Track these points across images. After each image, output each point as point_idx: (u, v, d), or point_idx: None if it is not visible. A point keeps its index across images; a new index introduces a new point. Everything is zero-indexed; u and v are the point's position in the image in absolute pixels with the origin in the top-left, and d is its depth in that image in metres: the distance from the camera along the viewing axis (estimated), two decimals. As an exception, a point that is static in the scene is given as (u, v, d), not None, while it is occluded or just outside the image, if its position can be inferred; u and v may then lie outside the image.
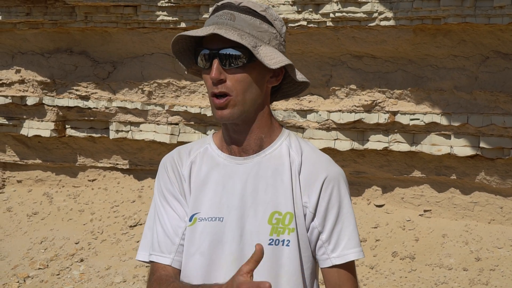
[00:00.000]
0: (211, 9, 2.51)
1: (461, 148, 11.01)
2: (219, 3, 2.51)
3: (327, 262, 2.56)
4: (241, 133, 2.56)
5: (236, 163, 2.56)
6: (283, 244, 2.49)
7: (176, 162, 2.64)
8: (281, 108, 11.81)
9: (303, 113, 11.79)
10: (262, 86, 2.53)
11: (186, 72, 2.68)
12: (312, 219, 2.55)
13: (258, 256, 2.16)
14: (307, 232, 2.56)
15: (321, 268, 2.61)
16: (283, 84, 2.67)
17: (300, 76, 2.58)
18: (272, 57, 2.45)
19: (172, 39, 2.49)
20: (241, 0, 2.48)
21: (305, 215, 2.54)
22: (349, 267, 2.58)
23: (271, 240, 2.49)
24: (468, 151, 10.98)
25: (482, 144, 10.85)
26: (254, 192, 2.52)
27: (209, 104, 11.86)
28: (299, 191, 2.54)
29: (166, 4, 11.50)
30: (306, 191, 2.54)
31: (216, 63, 2.41)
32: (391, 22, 10.51)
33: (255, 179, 2.53)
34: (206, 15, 11.22)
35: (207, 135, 12.03)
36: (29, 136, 13.39)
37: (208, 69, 2.45)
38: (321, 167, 2.58)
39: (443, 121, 10.98)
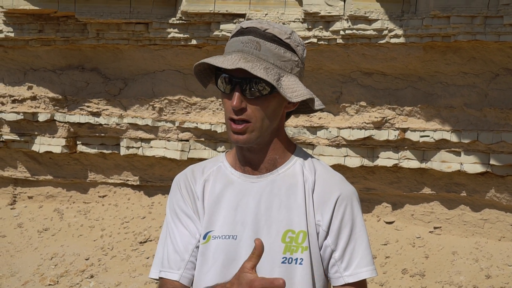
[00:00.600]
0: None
1: (471, 165, 11.02)
2: (244, 26, 2.50)
3: (339, 280, 2.57)
4: (256, 154, 2.58)
5: (250, 182, 2.58)
6: (296, 263, 2.51)
7: (189, 180, 2.65)
8: (291, 124, 11.84)
9: (313, 129, 11.82)
10: (279, 112, 2.56)
11: (205, 87, 2.69)
12: (325, 238, 2.56)
13: (259, 251, 2.19)
14: (320, 250, 2.57)
15: (333, 286, 2.62)
16: (298, 106, 2.69)
17: (317, 104, 2.60)
18: (294, 89, 2.47)
19: (196, 64, 2.49)
20: (266, 26, 2.48)
21: (318, 234, 2.55)
22: (361, 285, 2.60)
23: (284, 259, 2.51)
24: (478, 168, 10.99)
25: (492, 161, 10.85)
26: (268, 210, 2.53)
27: (220, 121, 11.92)
28: (312, 209, 2.55)
29: (177, 21, 11.58)
30: (320, 209, 2.56)
31: (238, 91, 2.43)
32: (401, 40, 10.55)
33: (269, 197, 2.55)
34: (217, 32, 11.29)
35: (218, 151, 12.08)
36: (40, 152, 13.45)
37: (229, 94, 2.46)
38: (334, 186, 2.59)
39: (453, 138, 11.00)
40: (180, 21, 11.58)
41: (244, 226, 2.53)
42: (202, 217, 2.59)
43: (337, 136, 11.64)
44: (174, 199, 2.67)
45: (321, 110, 2.64)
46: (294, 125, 11.86)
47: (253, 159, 2.58)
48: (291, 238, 2.51)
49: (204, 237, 2.56)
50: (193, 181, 2.64)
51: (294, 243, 2.51)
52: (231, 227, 2.54)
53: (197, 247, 2.61)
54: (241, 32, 2.49)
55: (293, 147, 2.68)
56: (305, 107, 2.71)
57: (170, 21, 11.65)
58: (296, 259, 2.50)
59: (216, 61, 2.41)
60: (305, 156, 2.67)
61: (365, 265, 2.57)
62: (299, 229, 2.52)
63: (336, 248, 2.56)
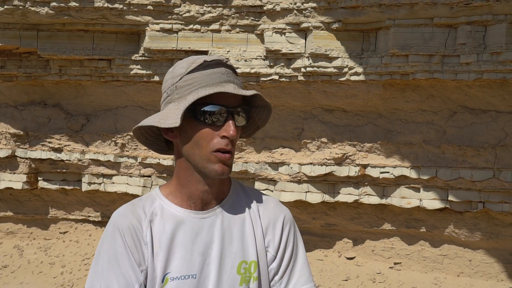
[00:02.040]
0: (192, 65, 2.48)
1: (430, 201, 11.16)
2: (209, 59, 2.50)
3: None
4: (213, 187, 2.58)
5: (201, 218, 2.56)
6: None
7: (134, 226, 2.53)
8: (253, 160, 11.91)
9: (275, 165, 11.91)
10: None
11: (147, 147, 2.66)
12: (273, 261, 2.62)
13: None
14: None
15: None
16: None
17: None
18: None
19: (202, 95, 2.43)
20: (225, 59, 2.53)
21: (267, 260, 2.60)
22: None
23: None
24: (437, 204, 11.13)
25: (450, 197, 11.01)
26: (222, 244, 2.55)
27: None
28: (261, 237, 2.61)
29: (140, 58, 11.65)
30: (268, 234, 2.62)
31: (232, 120, 2.45)
32: (361, 77, 10.72)
33: (221, 231, 2.56)
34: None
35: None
36: (0, 188, 13.33)
37: (218, 125, 2.45)
38: (277, 209, 2.67)
39: (413, 174, 11.14)
40: (143, 58, 11.65)
41: (202, 263, 2.53)
42: (150, 262, 2.53)
43: (298, 172, 11.73)
44: (117, 246, 2.52)
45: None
46: (256, 161, 11.93)
47: (209, 192, 2.58)
48: (245, 269, 2.54)
49: (162, 280, 2.52)
50: (138, 225, 2.54)
51: (248, 273, 2.54)
52: (189, 266, 2.52)
53: None
54: (209, 65, 2.49)
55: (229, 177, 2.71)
56: None
57: (133, 58, 11.72)
58: None
59: (227, 88, 2.43)
60: (239, 184, 2.72)
61: (303, 284, 2.63)
62: (250, 259, 2.56)
63: (278, 270, 2.61)
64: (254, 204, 2.65)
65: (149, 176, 12.69)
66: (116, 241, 2.52)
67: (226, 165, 2.48)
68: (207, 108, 2.43)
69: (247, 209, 2.63)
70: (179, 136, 2.50)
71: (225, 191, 2.63)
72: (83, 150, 12.84)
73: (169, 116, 2.44)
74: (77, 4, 11.29)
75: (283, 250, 2.62)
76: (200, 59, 2.51)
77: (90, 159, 12.84)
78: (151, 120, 2.48)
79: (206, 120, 2.44)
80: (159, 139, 2.64)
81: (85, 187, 13.03)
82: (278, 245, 2.62)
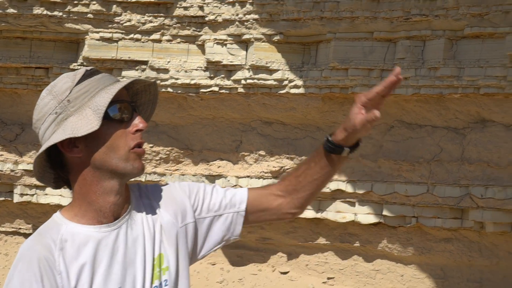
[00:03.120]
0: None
1: (364, 215, 11.29)
2: (89, 69, 2.46)
3: (241, 206, 2.64)
4: (122, 194, 2.54)
5: (112, 230, 2.51)
6: (164, 286, 2.54)
7: (45, 257, 2.41)
8: (190, 173, 11.91)
9: (212, 178, 11.92)
10: None
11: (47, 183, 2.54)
12: (194, 216, 2.63)
13: (378, 88, 2.40)
14: (195, 244, 2.65)
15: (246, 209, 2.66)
16: None
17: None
18: None
19: (110, 100, 2.37)
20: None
21: (186, 233, 2.61)
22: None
23: (156, 287, 2.52)
24: (372, 219, 11.27)
25: (385, 212, 11.16)
26: (136, 249, 2.53)
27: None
28: (168, 223, 2.60)
29: (79, 67, 11.56)
30: (170, 208, 2.62)
31: (137, 113, 2.46)
32: (301, 90, 10.86)
33: (131, 237, 2.53)
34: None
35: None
36: None
37: (126, 122, 2.42)
38: (175, 191, 2.66)
39: (348, 188, 11.28)
40: (82, 67, 11.53)
41: (125, 275, 2.50)
42: None
43: (235, 185, 11.76)
44: (25, 281, 2.38)
45: None
46: (193, 173, 11.92)
47: (118, 204, 2.53)
48: (155, 265, 2.54)
49: None
50: (49, 256, 2.41)
51: (158, 269, 2.54)
52: (114, 280, 2.48)
53: None
54: (92, 73, 2.44)
55: None
56: None
57: (71, 66, 11.64)
58: (162, 283, 2.53)
59: (125, 82, 2.42)
60: (136, 186, 2.69)
61: (236, 191, 2.67)
62: (157, 254, 2.55)
63: (220, 206, 2.64)
64: (147, 199, 2.62)
65: (84, 188, 12.54)
66: (25, 276, 2.40)
67: (142, 160, 2.48)
68: (115, 107, 2.40)
69: (148, 207, 2.60)
70: (84, 149, 2.40)
71: (128, 197, 2.58)
72: (16, 160, 12.63)
73: (80, 126, 2.35)
74: (15, 11, 11.20)
75: (208, 200, 2.64)
76: (80, 70, 2.47)
77: (23, 169, 12.63)
78: (58, 137, 2.36)
79: (124, 117, 2.41)
80: (46, 171, 2.51)
81: (17, 198, 12.80)
82: (201, 205, 2.64)
